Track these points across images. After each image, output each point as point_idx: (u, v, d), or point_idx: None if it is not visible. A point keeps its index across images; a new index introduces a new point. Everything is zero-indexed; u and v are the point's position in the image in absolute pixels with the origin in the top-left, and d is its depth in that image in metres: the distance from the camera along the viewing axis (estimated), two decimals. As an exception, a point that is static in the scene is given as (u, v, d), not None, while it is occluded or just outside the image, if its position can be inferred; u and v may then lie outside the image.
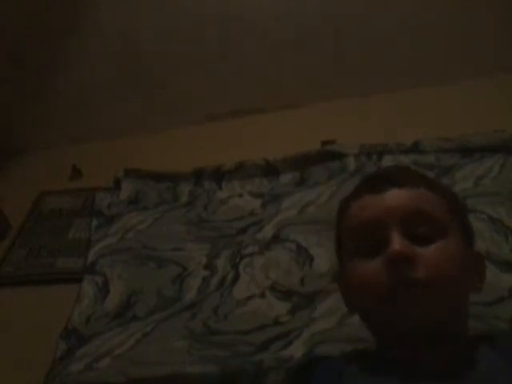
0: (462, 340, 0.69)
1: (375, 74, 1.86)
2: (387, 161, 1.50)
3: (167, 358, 1.12)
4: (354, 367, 0.68)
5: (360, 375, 0.65)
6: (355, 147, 1.55)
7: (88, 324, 1.27)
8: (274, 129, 1.82)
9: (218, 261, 1.36)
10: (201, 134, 1.91)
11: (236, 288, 1.27)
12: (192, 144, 1.86)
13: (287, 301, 1.21)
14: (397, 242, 0.63)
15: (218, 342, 1.14)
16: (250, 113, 1.93)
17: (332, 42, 1.83)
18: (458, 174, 1.41)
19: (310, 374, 0.75)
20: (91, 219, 1.60)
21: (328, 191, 1.47)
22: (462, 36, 1.78)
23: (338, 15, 1.79)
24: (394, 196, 0.69)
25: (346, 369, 0.67)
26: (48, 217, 1.73)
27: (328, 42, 1.84)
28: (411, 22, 1.78)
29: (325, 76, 1.89)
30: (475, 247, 0.78)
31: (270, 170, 1.59)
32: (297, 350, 1.07)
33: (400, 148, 1.52)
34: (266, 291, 1.24)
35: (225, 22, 1.83)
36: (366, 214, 0.70)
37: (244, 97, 1.96)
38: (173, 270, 1.36)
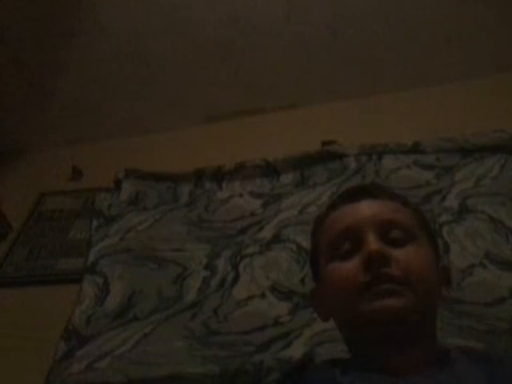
0: (434, 344, 0.71)
1: (375, 74, 1.86)
2: (387, 161, 1.50)
3: (167, 359, 1.12)
4: (347, 370, 0.68)
5: (358, 377, 0.66)
6: (355, 147, 1.55)
7: (88, 324, 1.27)
8: (274, 129, 1.82)
9: (218, 261, 1.36)
10: (201, 134, 1.91)
11: (236, 288, 1.27)
12: (192, 144, 1.86)
13: (288, 301, 1.21)
14: (372, 242, 0.67)
15: (219, 342, 1.15)
16: (250, 113, 1.94)
17: (332, 42, 1.84)
18: (458, 173, 1.41)
19: (306, 375, 0.76)
20: (91, 219, 1.60)
21: (328, 191, 1.47)
22: (462, 36, 1.78)
23: (337, 16, 1.79)
24: (369, 205, 0.74)
25: (344, 370, 0.68)
26: (48, 217, 1.73)
27: (328, 42, 1.84)
28: (411, 23, 1.79)
29: (325, 76, 1.89)
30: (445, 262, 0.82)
31: (270, 170, 1.59)
32: (297, 350, 1.07)
33: (400, 148, 1.52)
34: (267, 291, 1.24)
35: (225, 23, 1.83)
36: (342, 221, 0.74)
37: (244, 97, 1.96)
38: (173, 271, 1.36)
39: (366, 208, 0.73)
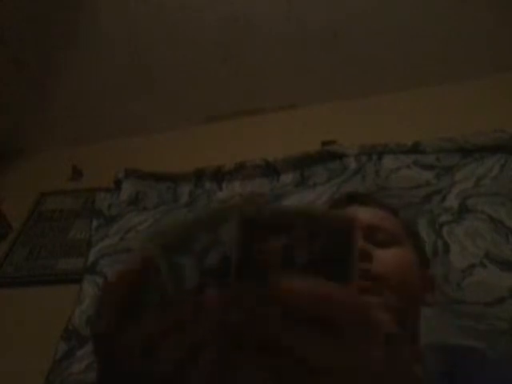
0: (414, 348, 0.72)
1: (375, 74, 1.86)
2: (387, 161, 1.50)
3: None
4: None
5: None
6: (355, 147, 1.55)
7: (88, 325, 1.27)
8: (274, 129, 1.82)
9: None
10: (201, 134, 1.91)
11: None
12: (192, 144, 1.86)
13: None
14: None
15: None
16: (250, 113, 1.94)
17: (332, 42, 1.83)
18: (458, 173, 1.41)
19: None
20: (91, 219, 1.60)
21: (328, 191, 1.47)
22: (462, 36, 1.78)
23: (337, 16, 1.79)
24: (356, 210, 0.77)
25: None
26: (48, 217, 1.73)
27: (328, 42, 1.84)
28: (411, 23, 1.78)
29: (325, 76, 1.89)
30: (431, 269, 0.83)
31: (270, 170, 1.59)
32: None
33: (400, 148, 1.52)
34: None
35: (225, 24, 1.83)
36: None
37: (244, 97, 1.96)
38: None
39: (353, 213, 0.75)
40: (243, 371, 0.36)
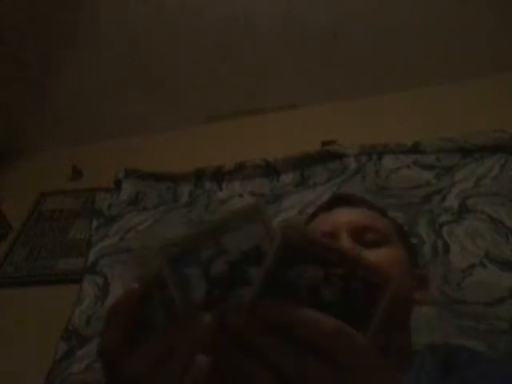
0: (405, 346, 0.73)
1: (375, 74, 1.86)
2: (387, 161, 1.50)
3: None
4: None
5: None
6: (355, 147, 1.55)
7: (88, 324, 1.27)
8: (274, 129, 1.82)
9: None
10: (201, 134, 1.91)
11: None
12: (192, 144, 1.86)
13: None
14: (345, 242, 0.71)
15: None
16: (250, 113, 1.94)
17: (332, 42, 1.83)
18: (458, 173, 1.41)
19: None
20: (91, 219, 1.60)
21: (328, 191, 1.47)
22: (462, 36, 1.78)
23: (337, 16, 1.79)
24: (345, 212, 0.79)
25: None
26: (48, 217, 1.73)
27: (328, 42, 1.84)
28: (411, 23, 1.78)
29: (325, 76, 1.89)
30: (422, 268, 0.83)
31: (270, 170, 1.59)
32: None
33: (400, 148, 1.52)
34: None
35: (225, 24, 1.83)
36: (319, 228, 0.78)
37: (244, 97, 1.96)
38: (173, 271, 1.36)
39: (342, 215, 0.78)
40: (243, 371, 0.36)
